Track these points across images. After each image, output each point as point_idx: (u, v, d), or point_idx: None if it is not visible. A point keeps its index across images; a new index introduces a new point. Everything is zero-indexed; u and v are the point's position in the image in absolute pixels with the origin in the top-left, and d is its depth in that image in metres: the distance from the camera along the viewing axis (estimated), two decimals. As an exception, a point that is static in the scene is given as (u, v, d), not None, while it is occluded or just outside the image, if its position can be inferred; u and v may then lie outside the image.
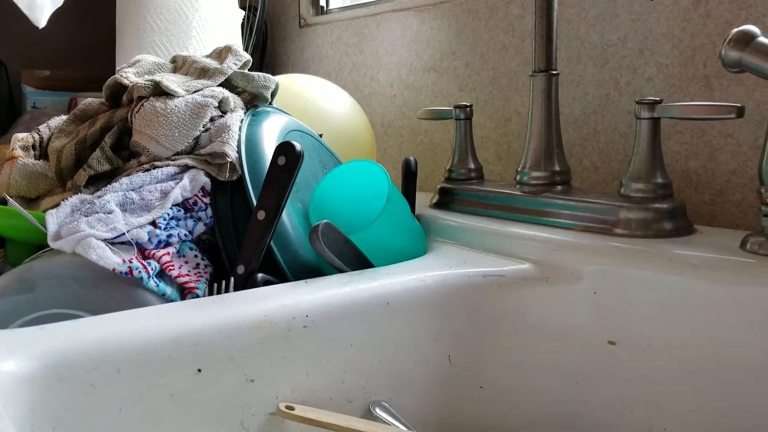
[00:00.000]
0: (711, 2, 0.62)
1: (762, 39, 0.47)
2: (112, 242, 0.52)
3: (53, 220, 0.56)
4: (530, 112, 0.64)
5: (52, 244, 0.53)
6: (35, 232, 0.57)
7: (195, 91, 0.69)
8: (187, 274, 0.54)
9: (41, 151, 0.71)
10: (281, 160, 0.53)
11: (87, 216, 0.55)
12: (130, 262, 0.50)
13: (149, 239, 0.54)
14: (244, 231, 0.54)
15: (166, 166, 0.63)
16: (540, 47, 0.63)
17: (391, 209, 0.60)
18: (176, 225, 0.56)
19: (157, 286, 0.51)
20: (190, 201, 0.59)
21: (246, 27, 1.21)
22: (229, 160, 0.61)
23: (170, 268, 0.53)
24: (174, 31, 1.01)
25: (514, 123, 0.82)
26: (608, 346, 0.52)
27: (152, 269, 0.51)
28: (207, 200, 0.60)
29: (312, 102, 0.84)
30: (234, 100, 0.70)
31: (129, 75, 0.71)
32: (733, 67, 0.48)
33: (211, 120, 0.66)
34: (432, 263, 0.58)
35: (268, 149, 0.62)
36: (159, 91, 0.68)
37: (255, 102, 0.73)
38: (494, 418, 0.55)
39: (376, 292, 0.49)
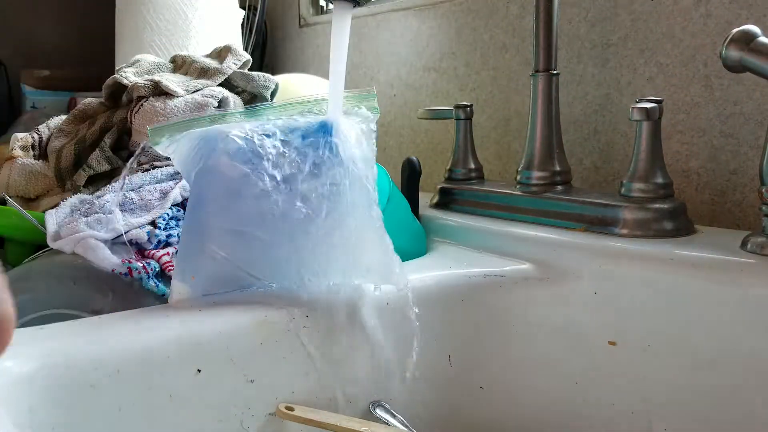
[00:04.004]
0: (711, 2, 0.62)
1: (762, 39, 0.47)
2: (111, 242, 0.52)
3: (53, 220, 0.56)
4: (530, 112, 0.64)
5: (51, 245, 0.53)
6: (35, 232, 0.57)
7: (195, 91, 0.69)
8: (187, 274, 0.54)
9: (40, 151, 0.71)
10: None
11: (86, 216, 0.55)
12: (130, 262, 0.50)
13: (149, 239, 0.53)
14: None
15: (166, 166, 0.63)
16: (540, 47, 0.63)
17: (391, 210, 0.60)
18: (176, 225, 0.56)
19: (157, 286, 0.51)
20: (190, 201, 0.59)
21: (246, 27, 1.21)
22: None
23: (170, 268, 0.53)
24: (173, 31, 1.01)
25: (514, 123, 0.82)
26: (608, 346, 0.52)
27: (152, 269, 0.51)
28: (207, 200, 0.60)
29: (312, 102, 0.84)
30: (234, 100, 0.70)
31: (128, 75, 0.71)
32: (733, 67, 0.48)
33: (211, 120, 0.66)
34: (432, 263, 0.58)
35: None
36: (158, 91, 0.68)
37: (255, 102, 0.73)
38: (494, 418, 0.55)
39: (375, 292, 0.49)
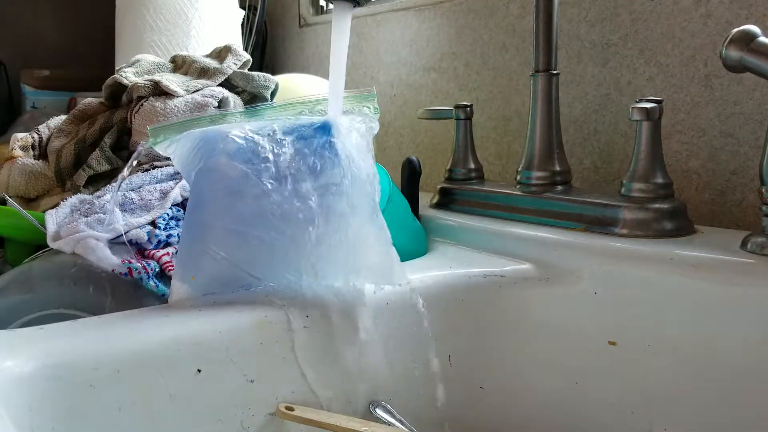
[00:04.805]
0: (711, 2, 0.62)
1: (762, 39, 0.47)
2: (111, 242, 0.52)
3: (53, 220, 0.56)
4: (530, 112, 0.64)
5: (51, 245, 0.53)
6: (35, 232, 0.57)
7: (195, 91, 0.69)
8: (187, 274, 0.54)
9: (40, 151, 0.71)
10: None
11: (86, 216, 0.55)
12: (130, 262, 0.50)
13: (149, 239, 0.53)
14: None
15: (166, 166, 0.63)
16: (540, 47, 0.63)
17: (392, 210, 0.60)
18: (176, 225, 0.56)
19: (157, 286, 0.51)
20: (190, 201, 0.58)
21: (246, 27, 1.21)
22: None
23: (170, 268, 0.53)
24: (174, 31, 1.01)
25: (514, 123, 0.82)
26: (608, 346, 0.52)
27: (152, 269, 0.51)
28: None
29: (312, 102, 0.84)
30: (234, 100, 0.70)
31: (128, 75, 0.71)
32: (733, 67, 0.48)
33: (211, 120, 0.66)
34: (432, 263, 0.58)
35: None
36: (158, 91, 0.68)
37: (255, 102, 0.73)
38: (494, 418, 0.55)
39: (375, 293, 0.49)
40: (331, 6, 1.22)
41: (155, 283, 0.51)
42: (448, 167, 0.74)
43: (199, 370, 0.42)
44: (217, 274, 0.47)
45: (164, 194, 0.58)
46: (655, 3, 0.66)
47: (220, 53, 0.77)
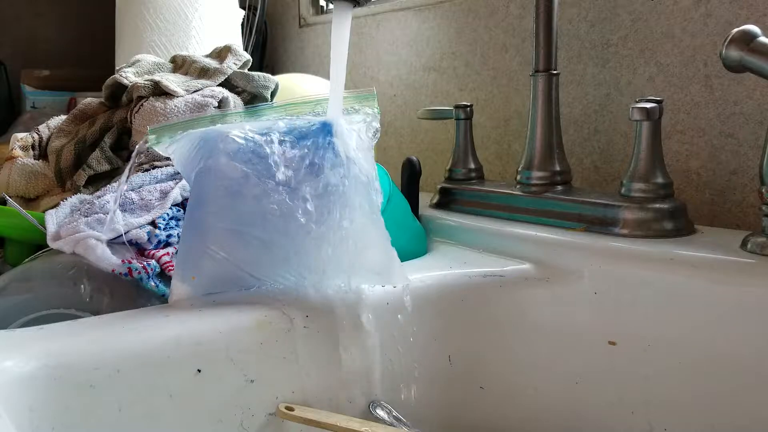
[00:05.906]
0: (711, 2, 0.62)
1: (762, 39, 0.47)
2: (111, 242, 0.52)
3: (52, 220, 0.56)
4: (530, 112, 0.64)
5: (51, 245, 0.53)
6: (35, 232, 0.57)
7: (195, 91, 0.69)
8: (187, 274, 0.54)
9: (40, 151, 0.71)
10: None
11: (86, 216, 0.55)
12: (130, 262, 0.50)
13: (149, 239, 0.53)
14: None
15: (166, 166, 0.63)
16: (540, 47, 0.63)
17: (392, 210, 0.60)
18: (176, 225, 0.56)
19: (157, 286, 0.51)
20: (190, 201, 0.58)
21: (246, 27, 1.21)
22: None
23: (170, 268, 0.52)
24: (173, 31, 1.01)
25: (514, 123, 0.82)
26: (608, 346, 0.52)
27: (152, 269, 0.51)
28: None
29: (312, 102, 0.84)
30: (234, 100, 0.70)
31: (128, 75, 0.71)
32: (733, 66, 0.48)
33: (211, 120, 0.66)
34: (432, 263, 0.58)
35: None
36: (159, 91, 0.68)
37: (255, 102, 0.73)
38: (494, 418, 0.55)
39: (376, 293, 0.49)
40: (331, 6, 1.22)
41: (155, 283, 0.51)
42: (448, 167, 0.74)
43: (199, 370, 0.42)
44: (217, 274, 0.47)
45: (164, 194, 0.58)
46: (655, 3, 0.66)
47: (220, 53, 0.77)
